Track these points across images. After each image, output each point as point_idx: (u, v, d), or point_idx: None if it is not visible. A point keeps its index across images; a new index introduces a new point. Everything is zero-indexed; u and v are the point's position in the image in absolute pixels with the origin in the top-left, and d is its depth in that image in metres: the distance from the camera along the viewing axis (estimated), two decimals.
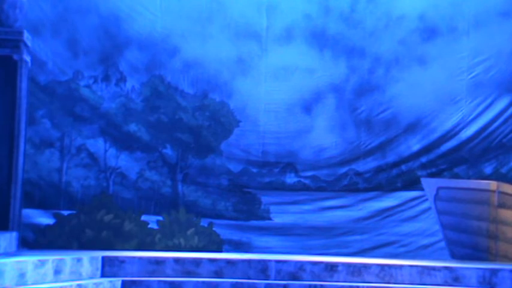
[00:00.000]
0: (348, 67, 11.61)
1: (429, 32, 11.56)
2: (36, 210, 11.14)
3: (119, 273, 8.86)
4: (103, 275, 8.84)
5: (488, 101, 11.55)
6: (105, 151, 11.43)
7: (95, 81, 11.48)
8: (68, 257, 8.45)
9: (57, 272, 8.23)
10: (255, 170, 11.56)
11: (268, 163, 11.56)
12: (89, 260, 8.70)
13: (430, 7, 11.56)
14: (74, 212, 11.23)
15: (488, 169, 11.48)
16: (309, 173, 11.56)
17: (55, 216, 11.22)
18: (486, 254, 9.88)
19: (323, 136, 11.57)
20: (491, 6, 11.50)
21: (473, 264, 8.97)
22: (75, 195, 11.30)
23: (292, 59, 11.55)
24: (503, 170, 11.38)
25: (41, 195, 11.20)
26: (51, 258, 8.24)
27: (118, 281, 8.74)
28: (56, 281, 8.15)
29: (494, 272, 8.51)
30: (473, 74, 11.52)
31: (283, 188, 11.53)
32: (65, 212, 11.23)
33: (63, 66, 11.36)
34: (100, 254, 9.12)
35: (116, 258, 8.94)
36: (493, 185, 10.10)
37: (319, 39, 11.57)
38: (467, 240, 10.00)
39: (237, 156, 11.55)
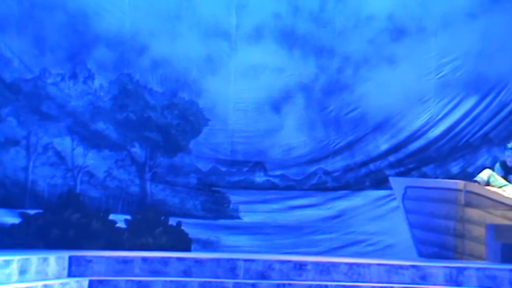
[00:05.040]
0: (317, 66, 11.63)
1: (398, 32, 11.62)
2: (1, 209, 11.00)
3: (86, 272, 8.77)
4: (70, 275, 8.74)
5: (456, 101, 11.64)
6: (73, 150, 11.32)
7: (62, 79, 11.37)
8: (33, 257, 8.34)
9: (22, 272, 8.11)
10: (223, 169, 11.53)
11: (237, 162, 11.54)
12: (55, 259, 8.60)
13: (399, 7, 11.62)
14: (40, 211, 11.11)
15: (455, 168, 11.57)
16: (278, 172, 11.56)
17: (21, 215, 11.09)
18: (453, 252, 9.93)
19: (292, 135, 11.58)
20: (458, 7, 11.60)
21: (440, 262, 9.02)
22: (42, 194, 11.18)
23: (261, 58, 11.54)
24: (470, 170, 11.48)
25: (6, 194, 11.06)
26: (16, 258, 8.12)
27: (85, 281, 8.65)
28: (21, 281, 8.05)
29: (460, 270, 8.56)
30: (441, 74, 11.61)
31: (252, 187, 11.51)
32: (31, 211, 11.11)
33: (29, 63, 11.23)
34: (67, 253, 9.02)
35: (83, 257, 8.84)
36: (460, 184, 10.16)
37: (289, 39, 11.58)
38: (434, 239, 10.06)
39: (206, 155, 11.52)
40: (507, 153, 10.32)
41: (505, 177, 10.27)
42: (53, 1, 11.24)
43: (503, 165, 10.38)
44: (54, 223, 11.04)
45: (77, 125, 11.32)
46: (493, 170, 10.46)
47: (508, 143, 10.50)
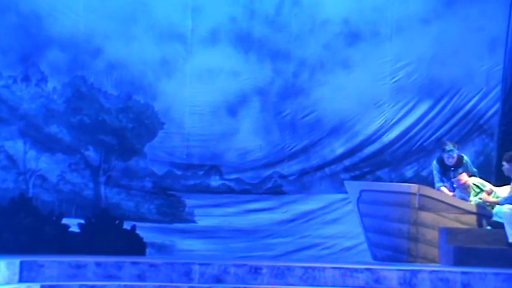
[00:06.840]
0: (272, 70, 11.65)
1: (353, 37, 11.69)
2: None
3: (38, 277, 8.64)
4: (21, 280, 8.61)
5: (410, 105, 11.76)
6: (25, 153, 11.16)
7: (14, 81, 11.20)
8: None
9: None
10: (179, 173, 11.47)
11: (192, 166, 11.49)
12: (5, 264, 8.45)
13: (354, 12, 11.70)
14: None
15: (409, 172, 11.68)
16: (234, 176, 11.54)
17: None
18: (407, 255, 10.02)
19: (248, 139, 11.57)
20: (412, 12, 11.72)
21: (394, 265, 9.09)
22: None
23: (217, 62, 11.51)
24: (424, 173, 11.60)
25: None
26: None
27: (37, 286, 8.52)
28: None
29: (414, 273, 8.64)
30: (395, 79, 11.71)
31: (207, 190, 11.47)
32: None
33: None
34: (18, 258, 8.86)
35: (35, 262, 8.71)
36: (414, 187, 10.26)
37: (244, 42, 11.58)
38: (388, 242, 10.13)
39: (161, 158, 11.45)
40: (446, 155, 10.44)
41: (444, 173, 10.40)
42: (5, 2, 11.07)
43: (441, 162, 10.48)
44: (6, 227, 10.86)
45: (30, 128, 11.16)
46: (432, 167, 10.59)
47: (445, 145, 10.57)
